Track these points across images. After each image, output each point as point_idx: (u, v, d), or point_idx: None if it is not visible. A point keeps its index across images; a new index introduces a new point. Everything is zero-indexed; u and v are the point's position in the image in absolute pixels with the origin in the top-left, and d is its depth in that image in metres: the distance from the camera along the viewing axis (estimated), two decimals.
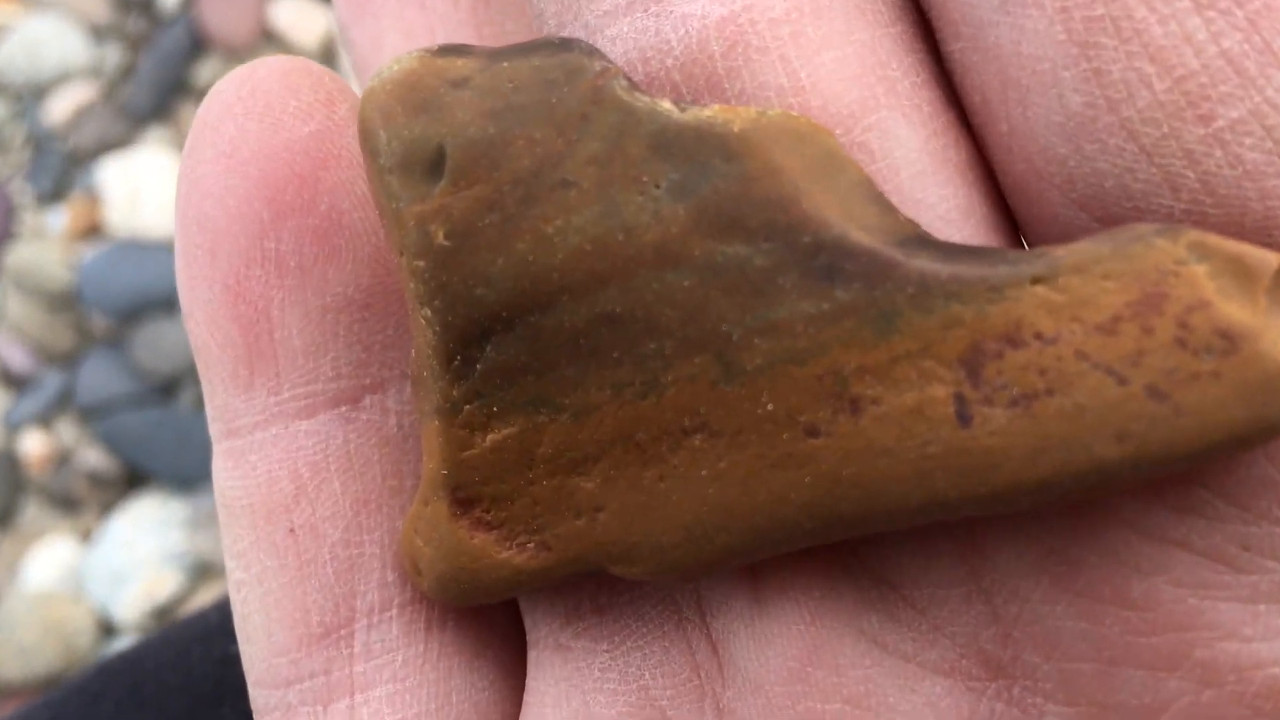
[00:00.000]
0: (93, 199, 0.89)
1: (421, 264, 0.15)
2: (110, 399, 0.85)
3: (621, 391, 0.15)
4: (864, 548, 0.16)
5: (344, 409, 0.18)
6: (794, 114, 0.15)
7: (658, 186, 0.15)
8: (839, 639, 0.16)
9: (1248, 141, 0.13)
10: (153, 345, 0.85)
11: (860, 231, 0.14)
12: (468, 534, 0.16)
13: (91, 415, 0.85)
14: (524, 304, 0.15)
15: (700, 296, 0.15)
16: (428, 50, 0.15)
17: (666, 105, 0.15)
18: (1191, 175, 0.14)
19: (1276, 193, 0.14)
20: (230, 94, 0.17)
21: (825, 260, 0.14)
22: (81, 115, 0.90)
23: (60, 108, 0.91)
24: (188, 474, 0.83)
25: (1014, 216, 0.16)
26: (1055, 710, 0.15)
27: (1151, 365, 0.13)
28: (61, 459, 0.85)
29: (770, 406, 0.15)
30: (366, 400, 0.18)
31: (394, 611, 0.18)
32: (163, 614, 0.81)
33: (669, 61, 0.15)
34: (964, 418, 0.14)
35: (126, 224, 0.87)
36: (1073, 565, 0.15)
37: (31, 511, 0.84)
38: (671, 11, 0.15)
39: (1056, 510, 0.15)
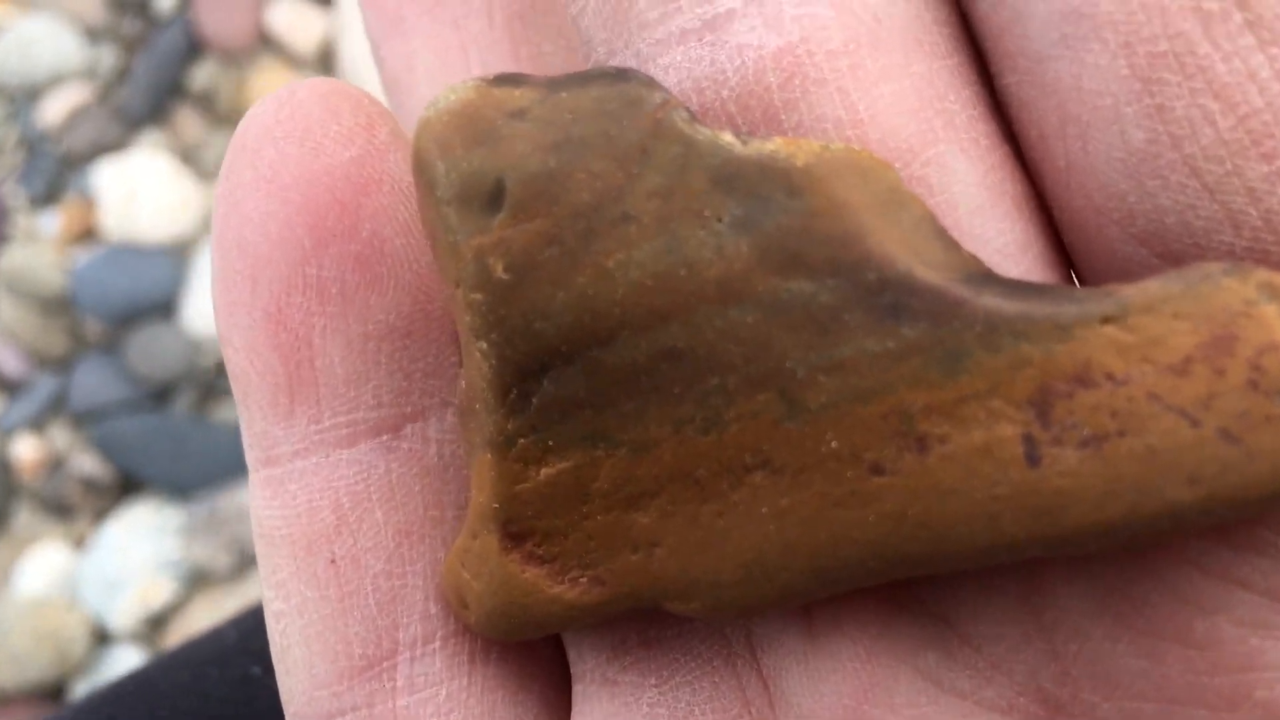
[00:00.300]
0: (87, 202, 0.88)
1: (479, 297, 0.15)
2: (104, 404, 0.84)
3: (682, 427, 0.15)
4: (920, 584, 0.16)
5: (385, 438, 0.18)
6: (857, 148, 0.14)
7: (720, 221, 0.14)
8: (895, 676, 0.16)
9: None
10: (147, 350, 0.84)
11: (925, 268, 0.14)
12: (519, 568, 0.16)
13: (85, 420, 0.84)
14: (584, 338, 0.15)
15: (764, 333, 0.14)
16: (483, 79, 0.15)
17: (728, 138, 0.15)
18: (1254, 213, 0.14)
19: None
20: (269, 116, 0.17)
21: (891, 298, 0.14)
22: (76, 117, 0.90)
23: (54, 110, 0.90)
24: (182, 481, 0.82)
25: (1068, 251, 0.16)
26: None
27: (1224, 408, 0.13)
28: (54, 464, 0.84)
29: (834, 444, 0.14)
30: (408, 429, 0.18)
31: (437, 644, 0.18)
32: (157, 622, 0.80)
33: (724, 92, 0.15)
34: (1033, 458, 0.14)
35: (121, 228, 0.86)
36: (1135, 603, 0.15)
37: (24, 517, 0.84)
38: (727, 42, 0.15)
39: (1113, 551, 0.15)
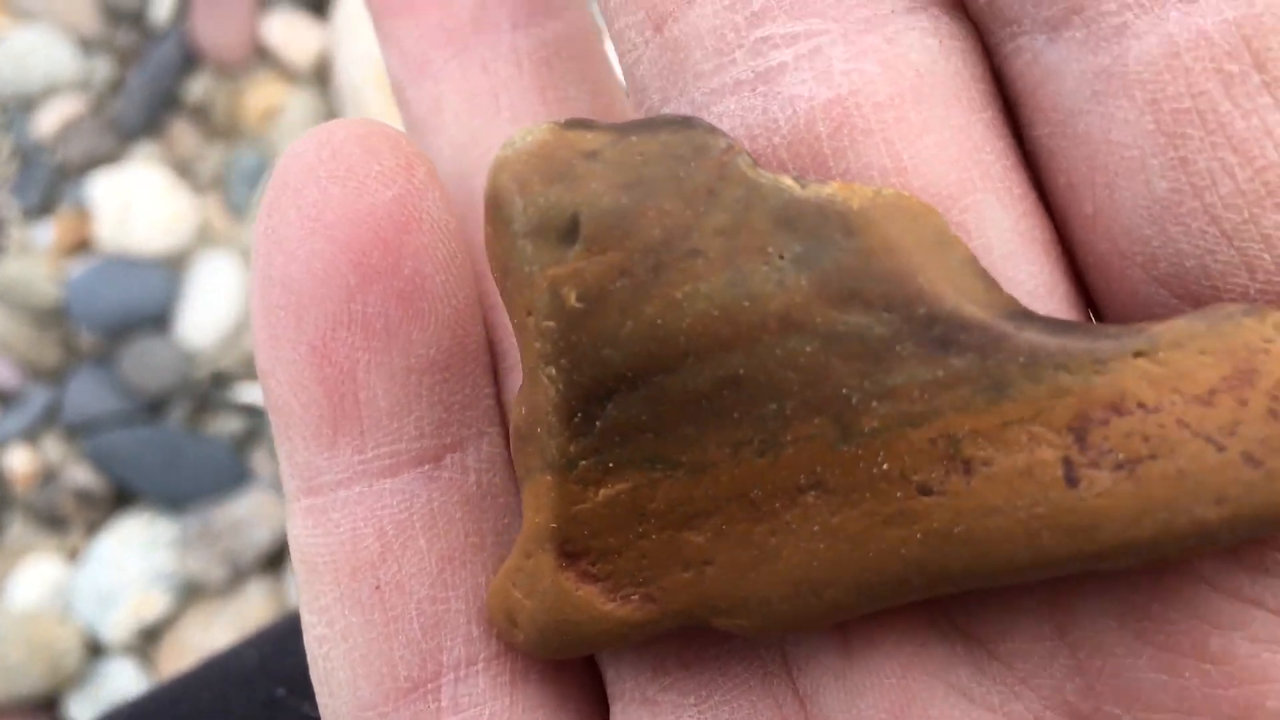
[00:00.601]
0: (81, 214, 0.88)
1: (552, 324, 0.16)
2: (98, 416, 0.84)
3: (739, 450, 0.16)
4: (951, 604, 0.17)
5: (427, 467, 0.18)
6: (906, 194, 0.16)
7: (782, 258, 0.15)
8: (930, 691, 0.17)
9: None
10: (141, 363, 0.84)
11: (971, 305, 0.15)
12: (573, 586, 0.17)
13: (79, 432, 0.84)
14: (650, 365, 0.16)
15: (821, 362, 0.15)
16: (557, 123, 0.16)
17: (788, 181, 0.16)
18: (1268, 258, 0.15)
19: None
20: (311, 156, 0.18)
21: (940, 331, 0.15)
22: (70, 129, 0.90)
23: (49, 121, 0.90)
24: (176, 493, 0.82)
25: (1091, 292, 0.17)
26: None
27: (1246, 434, 0.14)
28: (48, 476, 0.84)
29: (885, 466, 0.15)
30: (447, 459, 0.19)
31: (480, 666, 0.18)
32: (150, 634, 0.80)
33: (776, 139, 0.16)
34: (1071, 480, 0.15)
35: (116, 240, 0.86)
36: (1155, 621, 0.16)
37: (17, 529, 0.83)
38: (779, 93, 0.16)
39: (1139, 569, 0.15)
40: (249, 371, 0.84)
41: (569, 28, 0.21)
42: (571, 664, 0.19)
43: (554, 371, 0.16)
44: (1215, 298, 0.15)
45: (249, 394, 0.84)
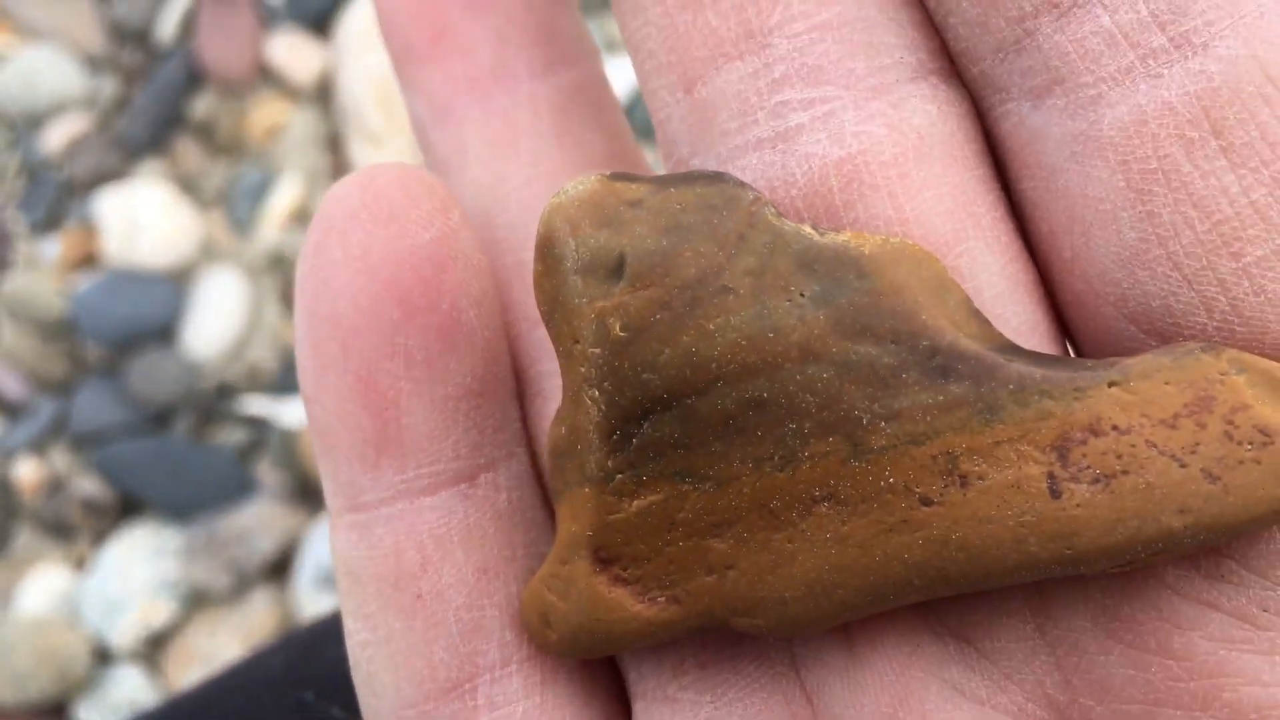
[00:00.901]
0: (88, 229, 0.89)
1: (598, 351, 0.18)
2: (104, 427, 0.85)
3: (761, 465, 0.18)
4: (944, 607, 0.18)
5: (463, 486, 0.20)
6: (911, 242, 0.18)
7: (803, 295, 0.17)
8: (925, 687, 0.18)
9: (1270, 275, 0.16)
10: (147, 375, 0.85)
11: (967, 339, 0.17)
12: (606, 589, 0.19)
13: (86, 443, 0.85)
14: (684, 388, 0.18)
15: (836, 387, 0.17)
16: (604, 174, 0.18)
17: (808, 229, 0.18)
18: (1223, 300, 0.17)
19: None
20: (354, 199, 0.19)
21: (940, 361, 0.17)
22: (77, 146, 0.91)
23: (56, 138, 0.91)
24: (182, 503, 0.83)
25: (1069, 328, 0.19)
26: None
27: (1205, 453, 0.16)
28: (55, 486, 0.85)
29: (891, 480, 0.17)
30: (482, 478, 0.20)
31: (514, 667, 0.20)
32: (157, 641, 0.81)
33: (793, 191, 0.18)
34: (1055, 492, 0.17)
35: (121, 254, 0.88)
36: (1124, 621, 0.17)
37: (25, 538, 0.84)
38: (796, 150, 0.18)
39: (1110, 575, 0.17)
40: (253, 383, 0.86)
41: (583, 76, 0.22)
42: (596, 666, 0.21)
43: (597, 394, 0.18)
44: (1178, 334, 0.17)
45: (253, 405, 0.85)
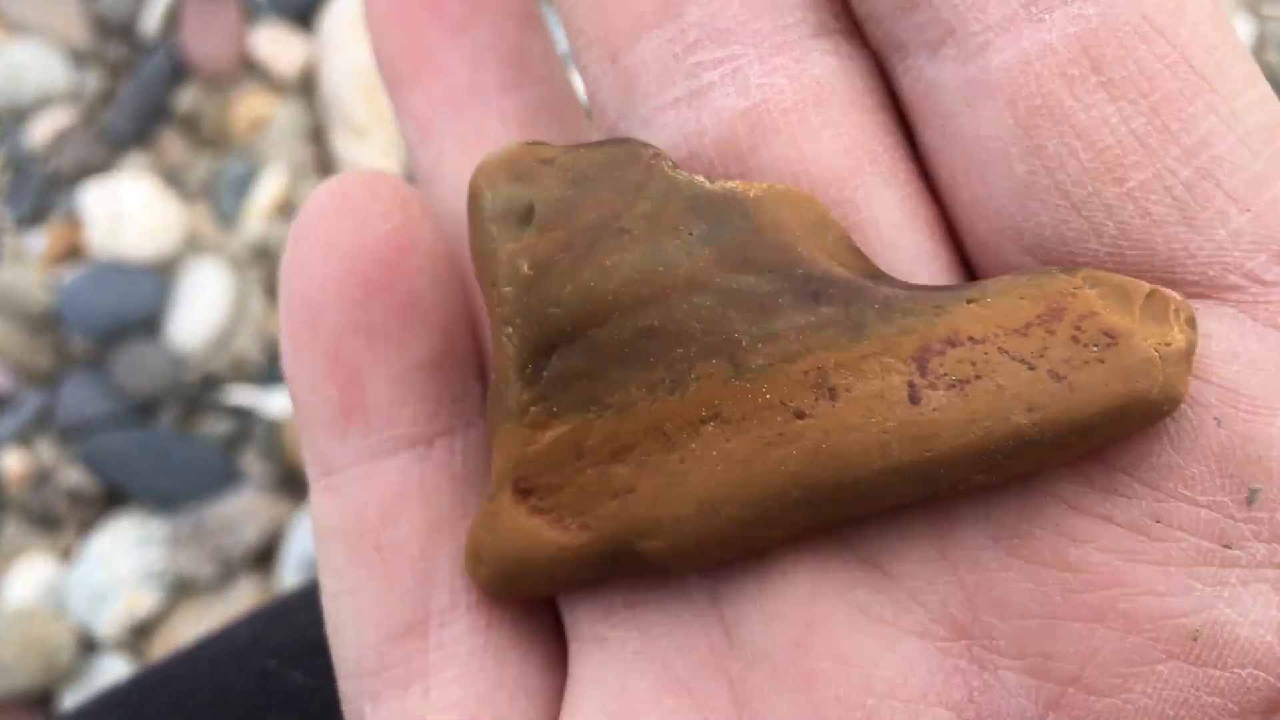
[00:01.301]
0: (73, 222, 0.90)
1: (510, 290, 0.19)
2: (90, 419, 0.86)
3: (655, 390, 0.19)
4: (852, 536, 0.19)
5: (420, 449, 0.22)
6: (794, 188, 0.19)
7: (691, 234, 0.19)
8: (832, 611, 0.19)
9: (1153, 198, 0.17)
10: (132, 366, 0.86)
11: (840, 269, 0.18)
12: (525, 519, 0.20)
13: (71, 435, 0.86)
14: (585, 321, 0.19)
15: (719, 314, 0.18)
16: (524, 141, 0.20)
17: (700, 178, 0.19)
18: (1111, 225, 0.18)
19: (1177, 237, 0.18)
20: (326, 200, 0.21)
21: (814, 286, 0.18)
22: (62, 139, 0.92)
23: (41, 132, 0.92)
24: (167, 493, 0.84)
25: (972, 265, 0.20)
26: (1008, 664, 0.18)
27: (1053, 356, 0.17)
28: (41, 478, 0.85)
29: (768, 396, 0.18)
30: (437, 442, 0.22)
31: (461, 612, 0.21)
32: (143, 631, 0.82)
33: (705, 140, 0.19)
34: (914, 399, 0.18)
35: (107, 247, 0.88)
36: (1023, 538, 0.18)
37: (11, 529, 0.85)
38: (708, 105, 0.19)
39: (1007, 493, 0.18)
40: (237, 374, 0.86)
41: (549, 90, 0.24)
42: (538, 611, 0.22)
43: (511, 330, 0.19)
44: (1073, 262, 0.18)
45: (238, 396, 0.86)
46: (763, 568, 0.20)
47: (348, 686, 0.22)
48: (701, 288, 0.19)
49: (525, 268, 0.19)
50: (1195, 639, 0.17)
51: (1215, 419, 0.17)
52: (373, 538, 0.21)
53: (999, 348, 0.17)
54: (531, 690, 0.22)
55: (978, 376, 0.17)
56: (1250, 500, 0.17)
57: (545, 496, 0.20)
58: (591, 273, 0.19)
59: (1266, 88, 0.18)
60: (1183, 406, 0.17)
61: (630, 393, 0.19)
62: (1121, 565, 0.18)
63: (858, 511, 0.18)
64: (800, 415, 0.18)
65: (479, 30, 0.24)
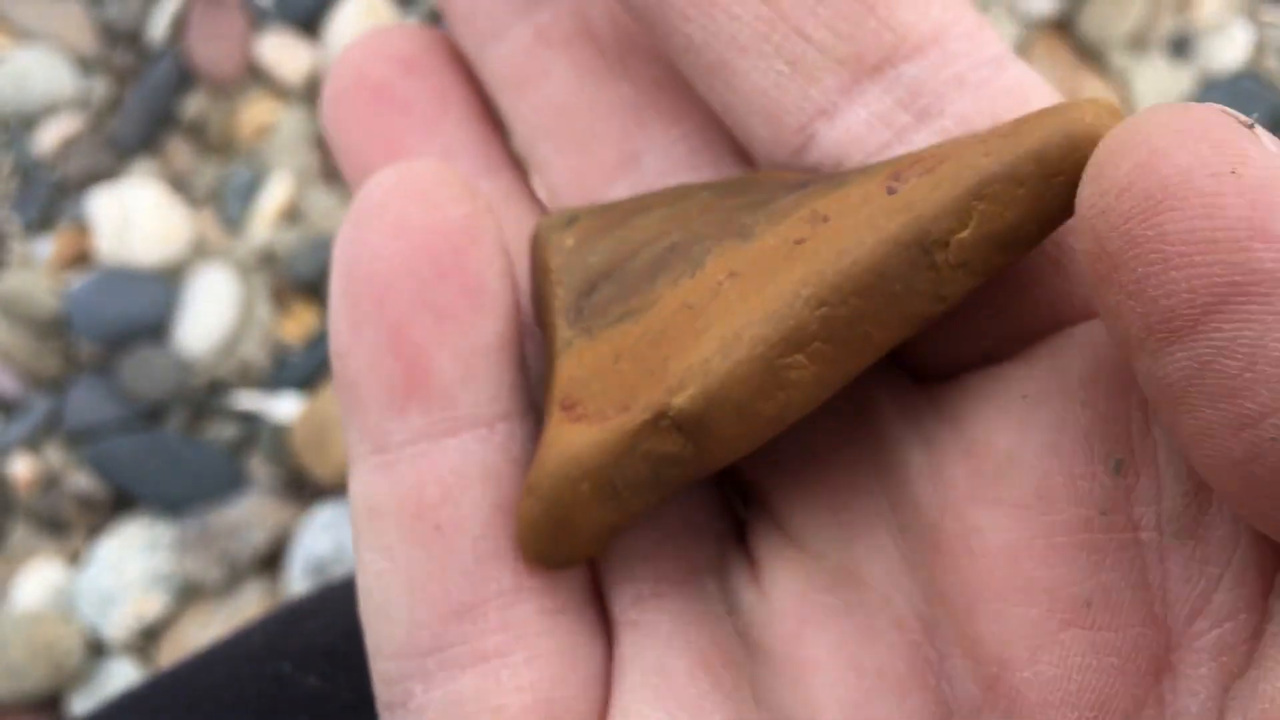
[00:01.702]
0: (80, 228, 0.90)
1: (558, 259, 0.22)
2: (98, 423, 0.86)
3: (678, 280, 0.20)
4: (824, 545, 0.21)
5: (482, 431, 0.22)
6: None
7: (705, 192, 0.22)
8: (822, 608, 0.21)
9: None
10: (140, 371, 0.86)
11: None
12: (570, 427, 0.20)
13: (79, 439, 0.86)
14: (618, 259, 0.21)
15: (728, 216, 0.21)
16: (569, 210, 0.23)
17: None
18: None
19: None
20: (392, 182, 0.21)
21: (802, 180, 0.21)
22: (69, 146, 0.92)
23: (48, 138, 0.92)
24: (174, 497, 0.84)
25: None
26: (954, 650, 0.20)
27: (1002, 131, 0.19)
28: (49, 482, 0.86)
29: (773, 241, 0.20)
30: (499, 426, 0.22)
31: (525, 594, 0.21)
32: (150, 634, 0.82)
33: None
34: (891, 190, 0.19)
35: (114, 253, 0.89)
36: (939, 531, 0.20)
37: (19, 533, 0.85)
38: None
39: (925, 490, 0.20)
40: (244, 379, 0.87)
41: (513, 182, 0.26)
42: (590, 593, 0.23)
43: (560, 290, 0.21)
44: None
45: (244, 401, 0.86)
46: (759, 576, 0.22)
47: (390, 667, 0.22)
48: (713, 209, 0.21)
49: (569, 241, 0.22)
50: (1089, 605, 0.18)
51: (1080, 402, 0.19)
52: (433, 515, 0.21)
53: (960, 149, 0.19)
54: (594, 673, 0.22)
55: (943, 162, 0.19)
56: (1116, 470, 0.18)
57: (589, 403, 0.20)
58: (624, 230, 0.21)
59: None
60: (1052, 399, 0.19)
61: (658, 293, 0.20)
62: (1015, 542, 0.19)
63: (869, 310, 0.19)
64: (800, 241, 0.20)
65: (447, 127, 0.24)
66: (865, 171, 0.20)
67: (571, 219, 0.22)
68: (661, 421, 0.19)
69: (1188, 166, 0.15)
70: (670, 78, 0.24)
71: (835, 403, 0.20)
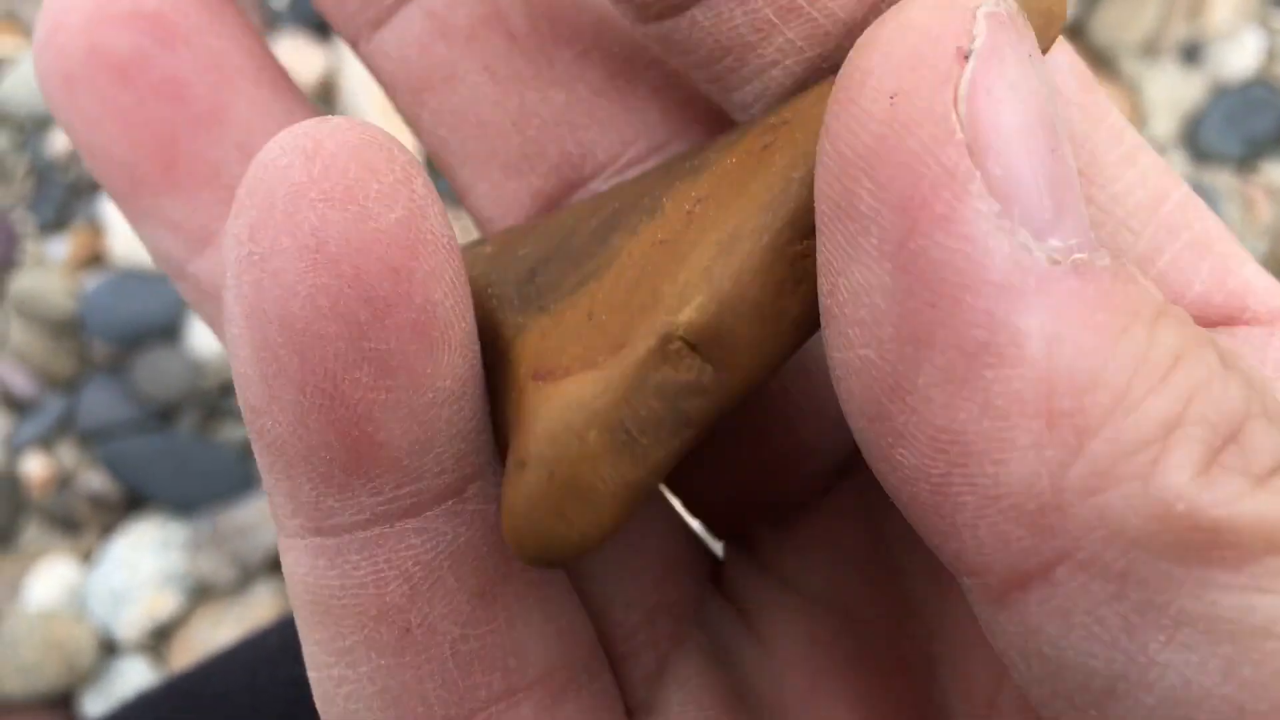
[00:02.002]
0: (94, 229, 0.91)
1: (480, 268, 0.20)
2: (111, 423, 0.86)
3: (637, 229, 0.18)
4: (825, 589, 0.21)
5: (450, 503, 0.17)
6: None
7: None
8: (830, 658, 0.21)
9: None
10: (153, 372, 0.87)
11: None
12: (554, 385, 0.17)
13: (93, 439, 0.87)
14: (554, 244, 0.19)
15: (669, 169, 0.19)
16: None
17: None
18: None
19: None
20: (298, 172, 0.16)
21: (739, 128, 0.19)
22: None
23: (62, 140, 0.93)
24: (187, 497, 0.85)
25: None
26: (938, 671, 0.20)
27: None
28: (63, 481, 0.86)
29: (734, 158, 0.18)
30: (470, 489, 0.18)
31: (520, 696, 0.18)
32: (162, 633, 0.83)
33: None
34: (767, 147, 0.18)
35: (128, 254, 0.89)
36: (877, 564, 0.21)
37: (33, 532, 0.86)
38: None
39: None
40: None
41: None
42: (598, 674, 0.20)
43: (491, 291, 0.19)
44: None
45: None
46: (761, 634, 0.21)
47: None
48: (647, 176, 0.19)
49: (486, 249, 0.20)
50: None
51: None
52: (399, 618, 0.17)
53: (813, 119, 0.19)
54: None
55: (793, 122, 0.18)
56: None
57: (571, 363, 0.17)
58: (548, 224, 0.19)
59: (1148, 159, 0.18)
60: None
61: (616, 246, 0.17)
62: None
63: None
64: (768, 145, 0.17)
65: (237, 129, 0.20)
66: (813, 88, 0.18)
67: (482, 240, 0.20)
68: (670, 344, 0.16)
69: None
70: (613, 77, 0.20)
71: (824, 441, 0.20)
